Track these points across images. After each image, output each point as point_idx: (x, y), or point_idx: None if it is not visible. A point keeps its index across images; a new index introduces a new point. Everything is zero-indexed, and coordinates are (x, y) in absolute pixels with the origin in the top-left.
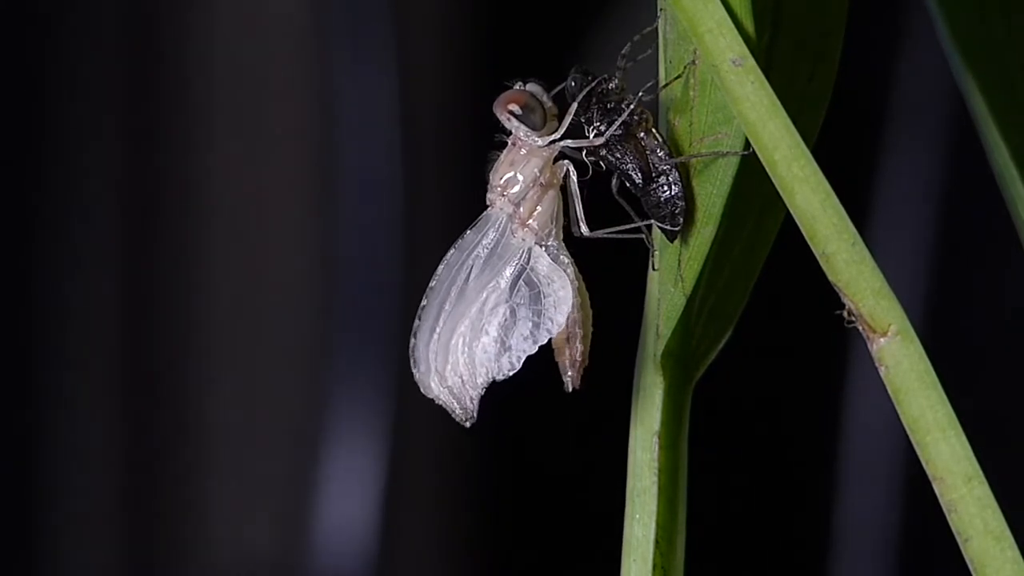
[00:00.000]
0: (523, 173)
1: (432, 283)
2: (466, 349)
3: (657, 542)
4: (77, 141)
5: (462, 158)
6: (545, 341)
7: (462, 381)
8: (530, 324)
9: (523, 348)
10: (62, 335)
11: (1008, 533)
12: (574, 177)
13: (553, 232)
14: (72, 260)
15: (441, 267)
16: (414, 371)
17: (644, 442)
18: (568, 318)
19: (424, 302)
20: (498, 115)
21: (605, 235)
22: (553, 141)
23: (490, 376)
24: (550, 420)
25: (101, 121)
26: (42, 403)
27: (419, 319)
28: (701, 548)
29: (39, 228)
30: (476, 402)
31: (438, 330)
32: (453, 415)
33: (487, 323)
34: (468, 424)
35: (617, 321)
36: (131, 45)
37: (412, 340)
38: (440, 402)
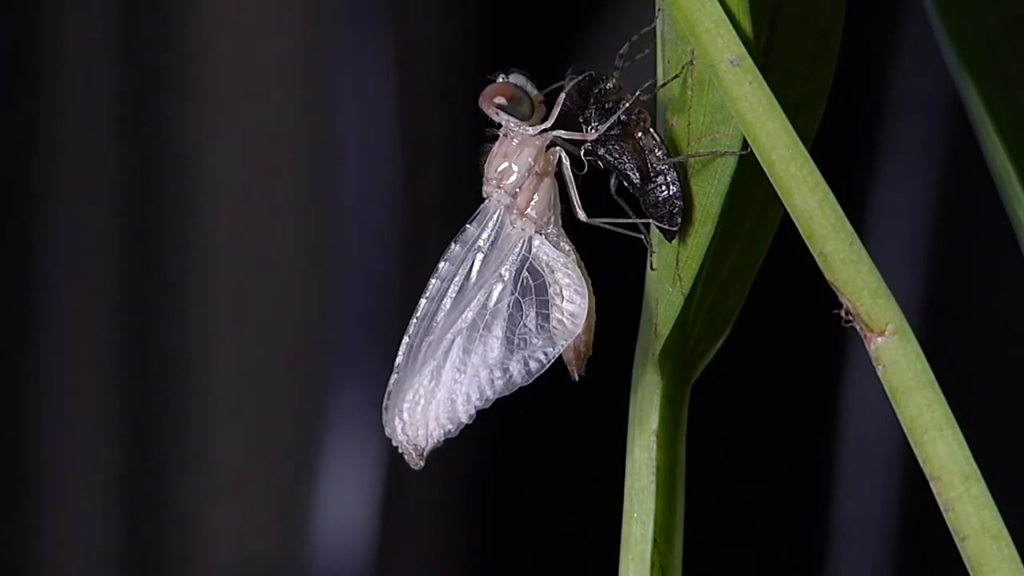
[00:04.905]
0: (517, 163)
1: (432, 281)
2: (459, 352)
3: (655, 541)
4: (77, 143)
5: (462, 157)
6: (565, 340)
7: (425, 402)
8: (539, 318)
9: (538, 345)
10: (60, 335)
11: (1005, 532)
12: (567, 163)
13: (552, 220)
14: (71, 261)
15: (443, 264)
16: (392, 375)
17: (642, 441)
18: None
19: (422, 300)
20: (485, 109)
21: (603, 224)
22: (544, 130)
23: (485, 396)
24: (549, 419)
25: (100, 122)
26: (39, 401)
27: (416, 318)
28: (699, 547)
29: (38, 228)
30: (433, 441)
31: (435, 327)
32: (407, 457)
33: (491, 320)
34: (416, 466)
35: (616, 320)
36: (131, 46)
37: (405, 339)
38: (393, 432)
